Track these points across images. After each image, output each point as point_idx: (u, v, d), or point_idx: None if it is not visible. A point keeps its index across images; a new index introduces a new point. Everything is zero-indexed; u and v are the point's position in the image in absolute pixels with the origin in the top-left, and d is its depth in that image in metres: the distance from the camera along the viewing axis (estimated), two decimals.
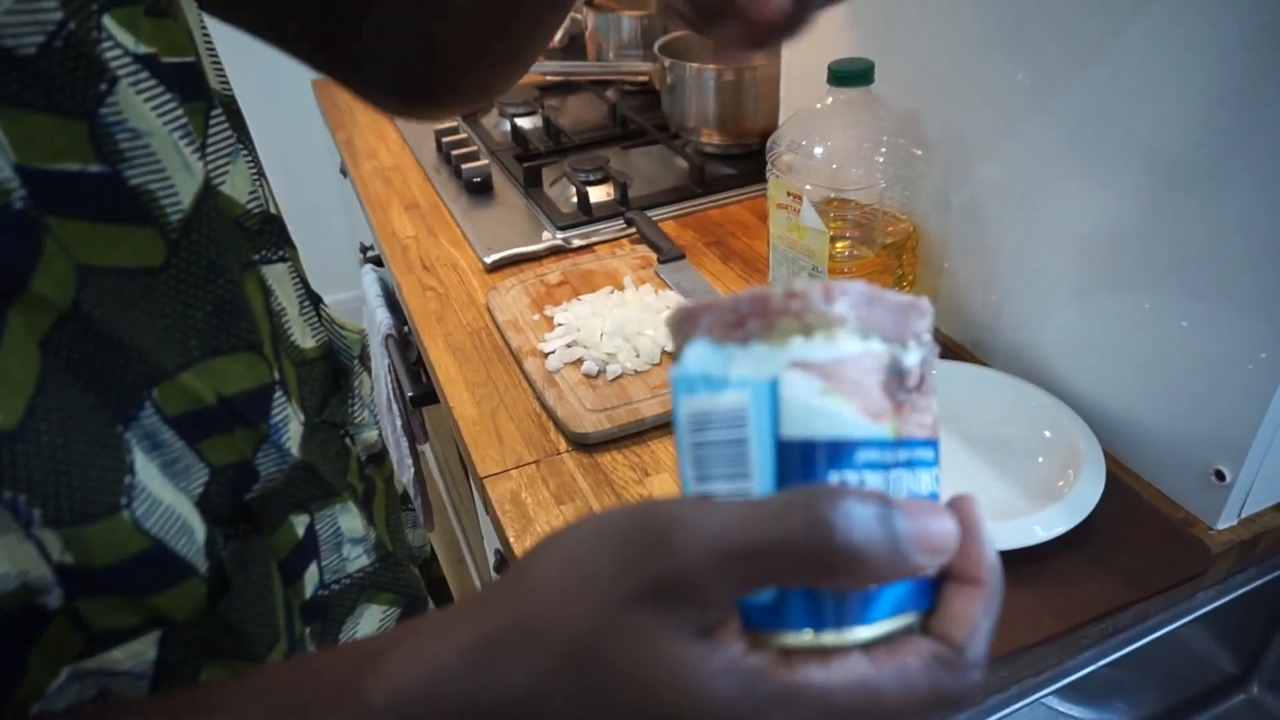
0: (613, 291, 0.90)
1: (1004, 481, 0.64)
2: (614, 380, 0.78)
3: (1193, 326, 0.60)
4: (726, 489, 0.25)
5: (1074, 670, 0.58)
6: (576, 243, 1.03)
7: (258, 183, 0.41)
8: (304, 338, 0.45)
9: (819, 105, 0.78)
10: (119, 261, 0.32)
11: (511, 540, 0.65)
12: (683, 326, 0.26)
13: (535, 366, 0.81)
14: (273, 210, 0.42)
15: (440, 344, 0.87)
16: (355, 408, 0.50)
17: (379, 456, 0.54)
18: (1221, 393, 0.59)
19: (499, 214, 1.10)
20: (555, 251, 1.02)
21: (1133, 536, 0.60)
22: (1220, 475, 0.60)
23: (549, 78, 1.44)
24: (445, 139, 1.25)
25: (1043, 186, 0.69)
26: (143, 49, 0.32)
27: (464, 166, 1.16)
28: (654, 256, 0.97)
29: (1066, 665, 0.58)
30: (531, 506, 0.68)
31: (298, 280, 0.45)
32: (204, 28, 0.40)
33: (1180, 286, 0.60)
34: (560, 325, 0.85)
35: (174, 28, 0.35)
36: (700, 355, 0.25)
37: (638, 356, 0.80)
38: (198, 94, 0.36)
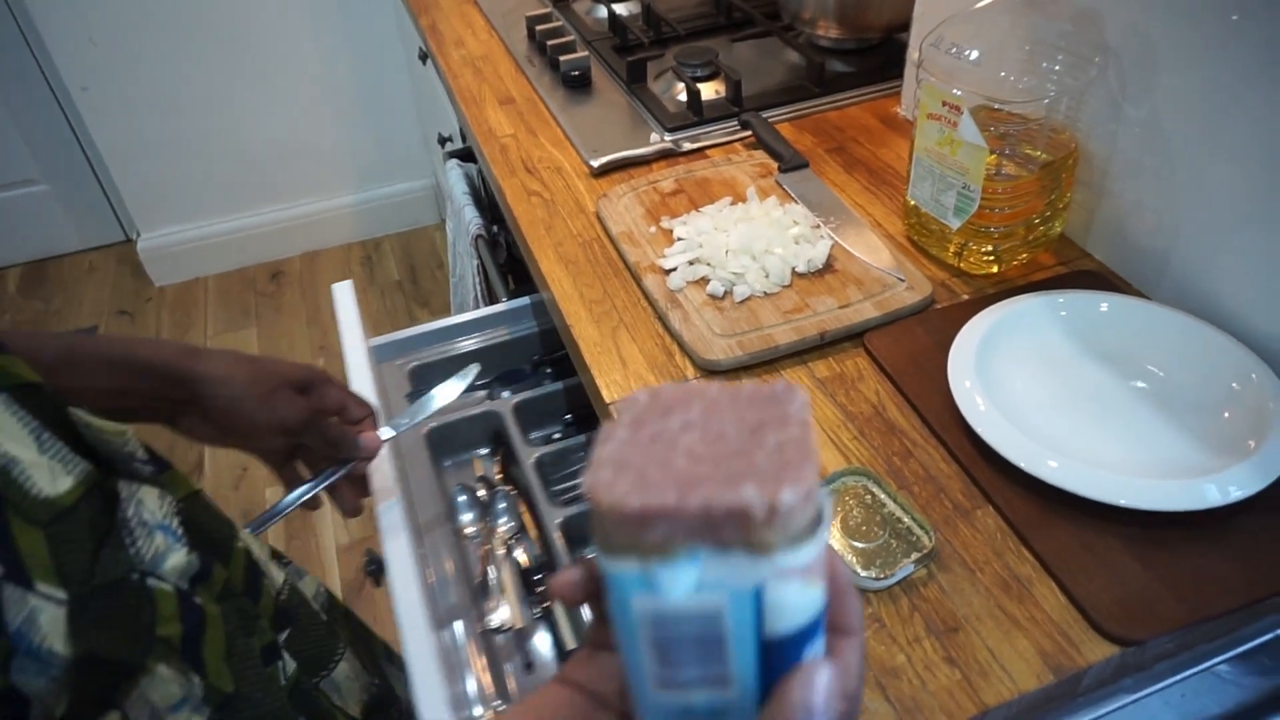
0: (734, 203, 0.84)
1: (1180, 435, 0.60)
2: (742, 302, 0.74)
3: None
4: (699, 674, 0.25)
5: (1247, 639, 0.54)
6: (687, 146, 0.96)
7: None
8: (52, 482, 0.36)
9: (982, 3, 0.70)
10: None
11: None
12: (633, 527, 0.24)
13: (656, 284, 0.77)
14: None
15: (551, 255, 0.83)
16: (141, 541, 0.40)
17: (204, 573, 0.44)
18: None
19: (600, 111, 1.04)
20: (664, 155, 0.96)
21: None
22: None
23: None
24: (538, 27, 1.18)
25: (1241, 99, 0.62)
26: None
27: (561, 59, 1.09)
28: (772, 164, 0.91)
29: (1239, 634, 0.54)
30: None
31: (34, 407, 0.37)
32: None
33: None
34: (680, 240, 0.80)
35: None
36: (667, 564, 0.24)
37: (767, 277, 0.75)
38: None
